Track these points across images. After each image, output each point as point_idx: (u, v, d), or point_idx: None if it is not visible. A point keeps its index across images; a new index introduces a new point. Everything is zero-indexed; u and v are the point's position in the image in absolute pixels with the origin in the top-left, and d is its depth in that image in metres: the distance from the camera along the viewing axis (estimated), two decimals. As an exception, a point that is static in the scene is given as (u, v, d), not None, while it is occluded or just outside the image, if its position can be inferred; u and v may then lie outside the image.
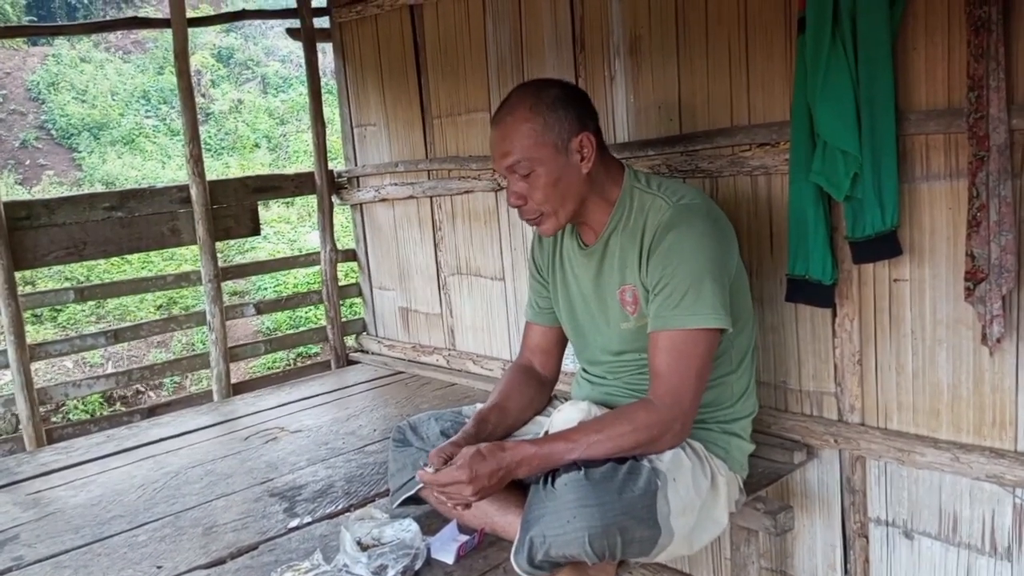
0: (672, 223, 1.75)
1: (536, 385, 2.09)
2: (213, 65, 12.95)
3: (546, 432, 1.80)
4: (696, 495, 1.72)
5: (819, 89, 1.95)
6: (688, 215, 1.76)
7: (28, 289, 5.58)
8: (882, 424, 2.16)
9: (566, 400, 2.00)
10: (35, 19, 12.96)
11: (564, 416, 1.78)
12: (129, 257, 7.27)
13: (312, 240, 7.79)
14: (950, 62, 1.88)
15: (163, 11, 3.56)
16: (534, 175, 1.77)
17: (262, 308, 4.28)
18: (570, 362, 2.91)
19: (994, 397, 1.93)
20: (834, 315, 2.20)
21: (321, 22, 3.93)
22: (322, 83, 4.02)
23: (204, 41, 13.13)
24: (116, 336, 3.63)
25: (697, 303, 1.70)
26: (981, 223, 1.80)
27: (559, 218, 1.84)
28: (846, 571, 2.31)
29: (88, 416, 5.17)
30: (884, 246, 2.00)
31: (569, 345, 2.17)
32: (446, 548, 1.83)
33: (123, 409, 4.66)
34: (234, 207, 3.73)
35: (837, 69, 1.93)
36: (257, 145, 11.56)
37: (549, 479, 1.61)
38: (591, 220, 1.90)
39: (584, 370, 2.09)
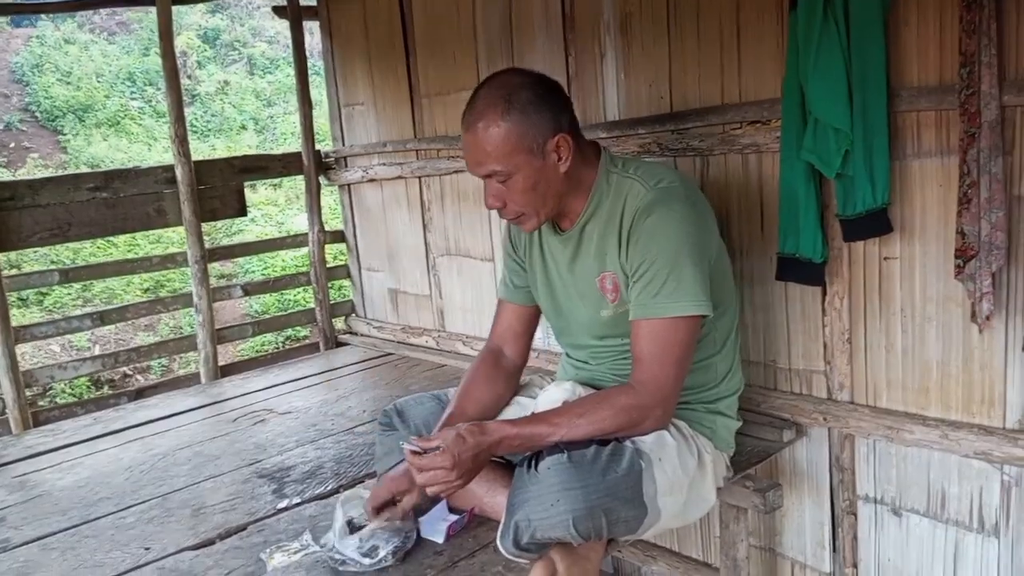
0: (651, 207, 1.72)
1: (503, 378, 2.02)
2: (199, 46, 12.81)
3: (532, 413, 1.79)
4: (684, 474, 1.72)
5: (811, 66, 1.94)
6: (666, 199, 1.73)
7: (13, 272, 5.52)
8: (871, 402, 2.16)
9: (552, 381, 2.00)
10: (17, -1, 12.78)
11: (550, 396, 1.78)
12: (115, 240, 7.22)
13: (300, 222, 7.75)
14: (942, 38, 1.86)
15: (147, -11, 3.50)
16: (511, 181, 1.72)
17: (250, 290, 4.26)
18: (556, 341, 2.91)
19: (983, 375, 1.93)
20: (824, 293, 2.20)
21: (308, 0, 3.89)
22: (309, 63, 3.98)
23: (190, 22, 12.99)
24: (102, 318, 3.61)
25: (677, 291, 1.68)
26: (972, 200, 1.80)
27: (540, 217, 1.80)
28: (835, 548, 2.32)
29: (75, 399, 5.14)
30: (875, 224, 1.99)
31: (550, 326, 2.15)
32: (436, 528, 1.83)
33: (110, 392, 4.63)
34: (220, 188, 3.70)
35: (829, 46, 1.91)
36: (244, 127, 11.46)
37: (532, 463, 1.60)
38: (570, 206, 1.85)
39: (568, 354, 2.07)
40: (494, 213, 3.15)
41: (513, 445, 1.65)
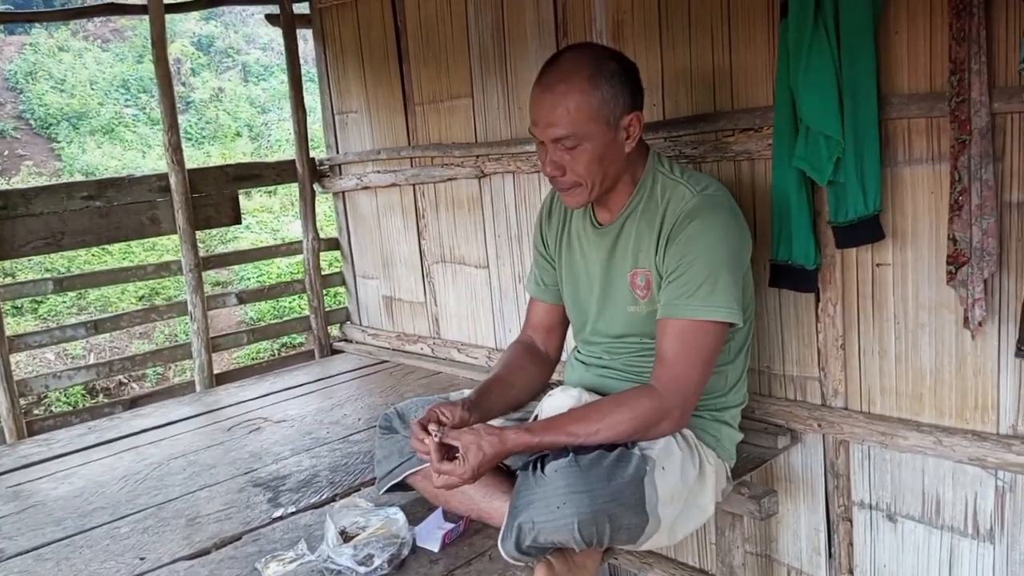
0: (695, 212, 1.73)
1: (539, 363, 2.07)
2: (193, 53, 12.83)
3: (535, 417, 1.78)
4: (683, 484, 1.72)
5: (801, 74, 1.95)
6: (712, 206, 1.74)
7: (7, 281, 5.51)
8: (865, 408, 2.17)
9: (557, 387, 2.00)
10: (11, 7, 12.78)
11: (555, 402, 1.76)
12: (110, 248, 7.21)
13: (295, 230, 7.75)
14: (932, 46, 1.87)
15: (141, -3, 3.51)
16: (580, 149, 1.72)
17: (245, 298, 4.25)
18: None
19: (976, 380, 1.94)
20: (817, 300, 2.20)
21: (301, 8, 3.89)
22: (303, 70, 3.98)
23: (184, 29, 13.00)
24: (96, 327, 3.60)
25: (712, 295, 1.69)
26: (963, 207, 1.81)
27: (592, 193, 1.80)
28: (830, 554, 2.33)
29: (70, 408, 5.13)
30: (867, 230, 2.00)
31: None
32: (432, 536, 1.82)
33: (105, 401, 4.62)
34: (214, 196, 3.69)
35: (819, 54, 1.92)
36: (238, 134, 11.49)
37: (538, 465, 1.60)
38: (611, 199, 1.87)
39: (578, 351, 2.07)
40: (488, 221, 3.19)
41: (531, 452, 1.65)
